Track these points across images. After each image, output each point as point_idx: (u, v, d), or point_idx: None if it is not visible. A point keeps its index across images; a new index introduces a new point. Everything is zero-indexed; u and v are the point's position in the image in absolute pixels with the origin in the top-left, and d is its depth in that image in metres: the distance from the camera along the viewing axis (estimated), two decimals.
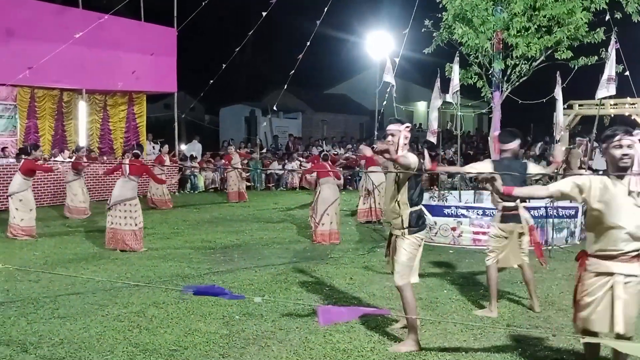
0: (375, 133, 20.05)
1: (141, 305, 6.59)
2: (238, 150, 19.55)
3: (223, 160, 19.36)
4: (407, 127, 5.33)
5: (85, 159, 14.84)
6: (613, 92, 10.28)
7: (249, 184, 21.67)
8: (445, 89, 12.26)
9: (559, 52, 11.28)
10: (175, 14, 19.14)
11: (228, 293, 3.42)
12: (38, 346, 5.36)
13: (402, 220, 5.30)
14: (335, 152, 21.93)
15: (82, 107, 18.59)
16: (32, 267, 8.44)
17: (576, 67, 11.44)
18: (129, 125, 20.58)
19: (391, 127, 5.26)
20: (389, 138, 5.26)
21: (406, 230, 5.29)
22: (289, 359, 5.06)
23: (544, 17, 10.83)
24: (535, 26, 11.08)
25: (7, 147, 16.38)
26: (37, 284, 7.54)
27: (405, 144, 5.28)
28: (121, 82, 17.77)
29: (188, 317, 6.18)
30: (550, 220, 10.16)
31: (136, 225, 9.79)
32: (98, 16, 15.75)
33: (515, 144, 6.50)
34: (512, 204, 6.27)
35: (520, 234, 6.39)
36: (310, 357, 5.10)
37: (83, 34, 10.51)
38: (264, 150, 24.79)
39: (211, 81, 11.37)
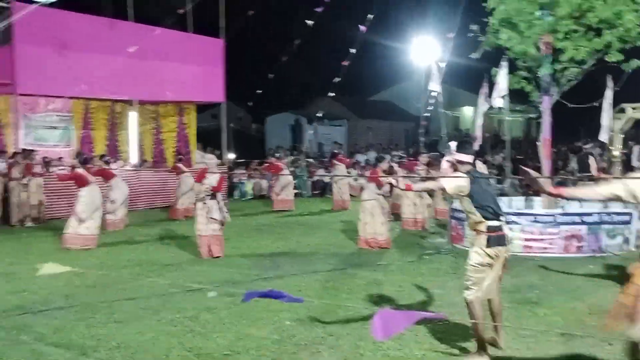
0: (421, 139, 19.92)
1: (194, 310, 6.72)
2: (276, 160, 18.94)
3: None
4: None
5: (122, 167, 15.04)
6: None
7: (295, 191, 21.83)
8: (491, 94, 12.11)
9: (609, 55, 11.00)
10: (222, 25, 19.46)
11: (286, 295, 3.49)
12: (96, 350, 5.53)
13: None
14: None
15: (133, 117, 19.06)
16: (88, 272, 8.67)
17: (629, 71, 11.13)
18: (179, 135, 21.00)
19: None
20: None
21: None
22: None
23: (592, 19, 10.60)
24: (584, 29, 10.85)
25: (62, 157, 16.91)
26: (93, 290, 7.77)
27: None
28: (171, 93, 18.16)
29: (240, 322, 6.27)
30: (604, 226, 9.92)
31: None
32: (148, 28, 16.23)
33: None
34: (496, 224, 5.19)
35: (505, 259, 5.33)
36: None
37: (133, 46, 10.81)
38: (310, 159, 24.89)
39: (259, 91, 11.55)
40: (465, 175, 5.22)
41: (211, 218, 9.90)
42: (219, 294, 7.30)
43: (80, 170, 11.30)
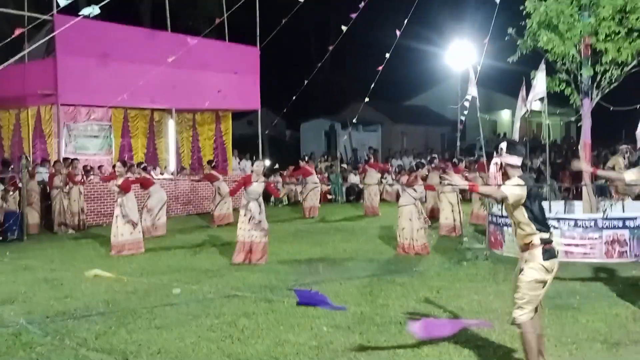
0: (458, 144, 19.74)
1: (232, 316, 6.77)
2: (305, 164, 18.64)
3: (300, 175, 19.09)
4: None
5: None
6: None
7: (330, 196, 21.86)
8: (530, 97, 11.95)
9: None
10: (257, 33, 19.65)
11: (329, 303, 3.51)
12: (138, 355, 5.62)
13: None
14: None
15: (172, 125, 19.38)
16: (129, 279, 8.82)
17: None
18: (216, 142, 21.28)
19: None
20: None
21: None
22: None
23: (636, 20, 10.37)
24: (626, 30, 10.63)
25: (102, 166, 17.28)
26: (134, 295, 7.90)
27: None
28: (208, 101, 18.41)
29: (277, 328, 6.30)
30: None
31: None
32: (185, 38, 16.48)
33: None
34: (548, 235, 4.83)
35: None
36: None
37: (172, 56, 10.97)
38: (344, 164, 24.85)
39: (294, 97, 11.60)
40: (522, 182, 4.73)
41: (254, 224, 9.96)
42: (257, 299, 7.35)
43: (128, 177, 11.61)
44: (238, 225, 10.14)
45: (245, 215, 10.02)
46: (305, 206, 17.56)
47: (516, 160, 4.86)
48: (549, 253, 4.72)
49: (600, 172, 7.55)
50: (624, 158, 13.63)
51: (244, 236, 10.01)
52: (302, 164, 18.53)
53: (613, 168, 13.17)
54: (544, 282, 4.73)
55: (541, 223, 4.76)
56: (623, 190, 11.53)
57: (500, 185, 4.82)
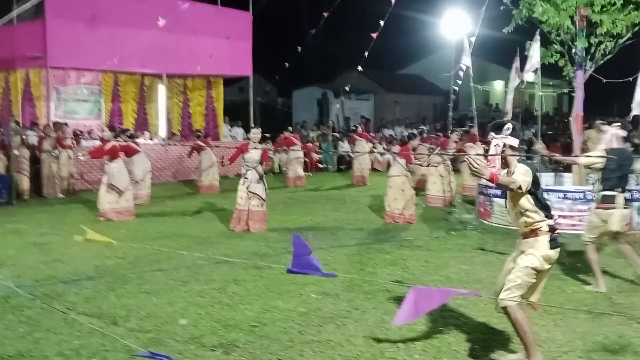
0: (450, 114, 19.70)
1: (222, 282, 6.82)
2: (291, 134, 18.59)
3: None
4: (618, 125, 5.41)
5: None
6: None
7: (321, 165, 21.85)
8: (523, 67, 11.91)
9: None
10: None
11: (320, 270, 3.54)
12: (127, 319, 5.65)
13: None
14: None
15: (162, 91, 19.20)
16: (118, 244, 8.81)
17: None
18: (207, 109, 21.14)
19: (602, 127, 4.88)
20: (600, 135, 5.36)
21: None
22: (366, 338, 5.12)
23: None
24: (622, 1, 10.57)
25: (92, 130, 17.16)
26: (123, 260, 7.92)
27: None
28: (199, 66, 18.22)
29: (267, 294, 6.35)
30: (635, 204, 9.74)
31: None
32: (176, 2, 16.25)
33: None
34: (552, 223, 4.70)
35: None
36: (387, 337, 5.14)
37: (163, 20, 10.81)
38: (337, 134, 24.76)
39: (286, 64, 11.51)
40: (527, 168, 4.46)
41: (251, 192, 9.95)
42: (247, 266, 7.39)
43: (114, 144, 11.43)
44: (237, 193, 10.13)
45: (243, 183, 10.01)
46: (288, 176, 17.36)
47: (517, 143, 4.67)
48: (554, 242, 4.53)
49: (557, 157, 7.78)
50: (599, 132, 13.59)
51: (241, 204, 10.01)
52: (285, 133, 18.39)
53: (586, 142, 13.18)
54: (541, 272, 4.52)
55: (546, 209, 4.56)
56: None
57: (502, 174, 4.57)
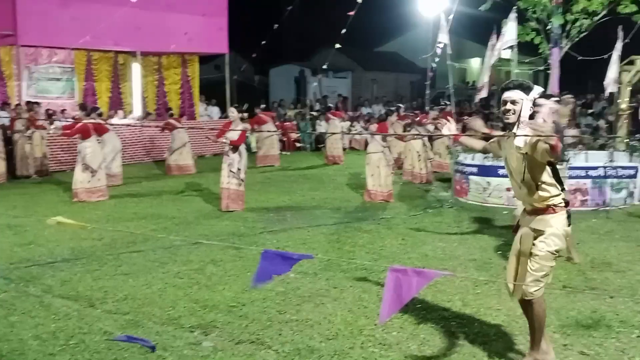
0: (427, 92, 19.74)
1: (200, 263, 6.81)
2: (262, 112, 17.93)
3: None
4: (555, 99, 5.16)
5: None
6: None
7: (299, 144, 21.78)
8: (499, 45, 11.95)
9: (621, 6, 10.80)
10: None
11: (296, 255, 3.52)
12: (104, 301, 5.63)
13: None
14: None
15: (137, 69, 18.92)
16: (95, 226, 8.75)
17: None
18: (183, 87, 20.89)
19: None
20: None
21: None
22: (344, 317, 5.17)
23: None
24: None
25: (65, 110, 16.87)
26: (100, 242, 7.86)
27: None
28: (174, 44, 17.97)
29: (245, 274, 6.35)
30: (609, 180, 9.91)
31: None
32: None
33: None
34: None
35: None
36: (365, 315, 5.19)
37: None
38: (314, 112, 24.65)
39: (263, 42, 11.41)
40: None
41: (231, 172, 9.91)
42: (225, 246, 7.38)
43: (86, 122, 11.25)
44: (221, 172, 10.08)
45: (224, 162, 9.99)
46: (258, 155, 17.04)
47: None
48: (569, 218, 4.13)
49: (494, 132, 7.56)
50: (568, 107, 13.75)
51: (224, 183, 9.99)
52: (257, 111, 18.07)
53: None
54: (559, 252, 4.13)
55: (561, 182, 4.12)
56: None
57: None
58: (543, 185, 4.02)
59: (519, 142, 3.98)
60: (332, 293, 5.78)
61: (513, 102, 3.99)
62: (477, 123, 7.39)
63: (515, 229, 4.31)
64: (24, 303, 5.55)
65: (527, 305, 4.12)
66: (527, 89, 4.03)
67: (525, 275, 4.04)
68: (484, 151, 4.84)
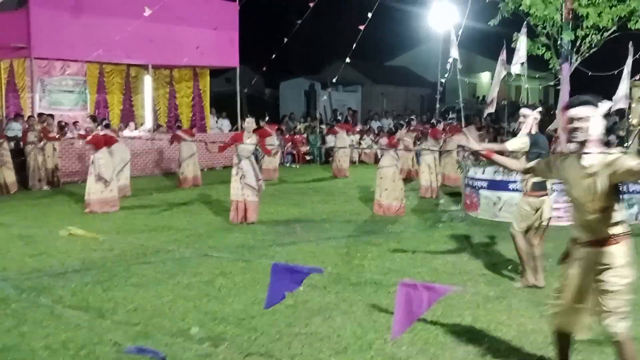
0: (437, 106, 19.77)
1: (209, 275, 6.81)
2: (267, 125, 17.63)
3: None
4: (539, 110, 5.92)
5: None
6: None
7: (309, 157, 21.81)
8: (510, 60, 11.98)
9: (632, 22, 10.80)
10: None
11: (306, 269, 3.51)
12: (114, 312, 5.64)
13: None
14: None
15: (148, 81, 19.07)
16: (106, 237, 8.79)
17: None
18: (194, 100, 21.01)
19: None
20: (521, 119, 6.08)
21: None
22: (353, 330, 5.15)
23: None
24: None
25: (78, 122, 17.01)
26: (110, 253, 7.89)
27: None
28: (186, 57, 18.10)
29: (254, 287, 6.36)
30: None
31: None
32: None
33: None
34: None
35: None
36: (374, 329, 5.17)
37: (149, 10, 10.73)
38: (323, 125, 24.70)
39: (273, 55, 11.45)
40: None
41: (245, 184, 9.93)
42: (234, 258, 7.39)
43: (99, 133, 11.37)
44: (231, 184, 10.09)
45: (237, 174, 9.97)
46: (262, 167, 17.04)
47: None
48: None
49: (485, 144, 7.19)
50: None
51: (236, 195, 9.98)
52: (262, 123, 18.04)
53: (555, 131, 13.32)
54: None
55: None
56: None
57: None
58: (610, 209, 3.64)
59: (587, 161, 3.62)
60: (341, 307, 5.76)
61: (580, 120, 3.63)
62: (470, 138, 7.37)
63: (564, 259, 3.97)
64: (34, 313, 5.57)
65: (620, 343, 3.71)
66: (594, 104, 3.73)
67: (595, 313, 3.73)
68: (526, 172, 4.48)
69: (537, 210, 6.35)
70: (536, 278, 6.41)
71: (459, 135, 14.02)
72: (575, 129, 3.65)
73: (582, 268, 3.74)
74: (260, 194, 10.13)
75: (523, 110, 6.63)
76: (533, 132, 6.46)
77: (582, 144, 3.65)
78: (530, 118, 6.46)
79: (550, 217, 6.47)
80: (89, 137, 11.28)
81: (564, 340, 4.01)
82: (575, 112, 3.66)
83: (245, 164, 9.93)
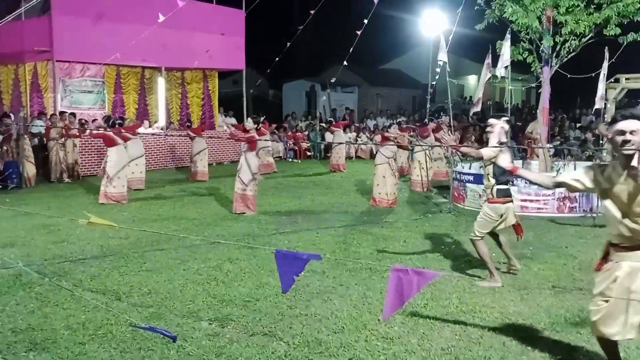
0: (427, 106, 19.76)
1: (217, 261, 6.81)
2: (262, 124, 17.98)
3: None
4: (506, 119, 5.78)
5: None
6: None
7: (309, 153, 21.80)
8: (495, 63, 11.95)
9: (607, 29, 10.77)
10: None
11: (305, 255, 3.50)
12: (129, 295, 5.64)
13: None
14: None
15: (161, 83, 19.03)
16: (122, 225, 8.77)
17: (625, 43, 10.92)
18: (204, 100, 21.02)
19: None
20: (488, 129, 5.86)
21: None
22: (349, 312, 5.15)
23: None
24: (584, 3, 10.61)
25: (96, 119, 16.97)
26: (126, 241, 7.88)
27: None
28: (196, 61, 18.06)
29: (259, 272, 6.36)
30: None
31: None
32: (176, 0, 16.02)
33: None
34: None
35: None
36: (369, 310, 5.18)
37: (162, 17, 10.68)
38: (323, 123, 24.68)
39: (277, 59, 11.43)
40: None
41: (238, 177, 9.95)
42: (240, 246, 7.39)
43: (108, 132, 11.36)
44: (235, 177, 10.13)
45: (239, 168, 10.01)
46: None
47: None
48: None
49: (463, 148, 7.09)
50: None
51: (237, 187, 10.00)
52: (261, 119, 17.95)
53: (532, 133, 13.34)
54: None
55: None
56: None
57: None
58: (638, 224, 3.55)
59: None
60: (338, 290, 5.77)
61: (632, 133, 3.38)
62: (447, 137, 7.31)
63: (600, 266, 3.78)
64: (56, 296, 5.57)
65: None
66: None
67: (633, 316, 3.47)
68: (558, 186, 3.94)
69: (501, 216, 6.05)
70: (511, 263, 6.36)
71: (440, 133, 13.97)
72: (627, 142, 3.40)
73: (631, 268, 3.56)
74: (253, 188, 10.06)
75: (490, 120, 6.15)
76: (503, 140, 6.03)
77: (631, 157, 3.41)
78: (497, 127, 6.02)
79: (513, 224, 6.17)
80: (98, 134, 11.27)
81: (611, 346, 3.70)
82: (626, 124, 3.41)
83: (242, 158, 9.96)
